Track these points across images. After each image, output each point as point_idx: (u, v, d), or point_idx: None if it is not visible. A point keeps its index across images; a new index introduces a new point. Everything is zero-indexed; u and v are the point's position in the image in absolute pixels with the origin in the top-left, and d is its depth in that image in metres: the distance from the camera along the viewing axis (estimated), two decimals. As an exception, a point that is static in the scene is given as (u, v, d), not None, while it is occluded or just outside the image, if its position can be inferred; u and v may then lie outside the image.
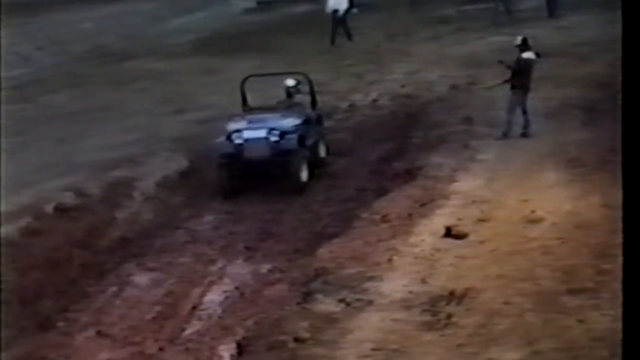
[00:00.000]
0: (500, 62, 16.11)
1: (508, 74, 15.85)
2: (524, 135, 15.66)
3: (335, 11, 26.66)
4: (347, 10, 26.98)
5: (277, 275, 11.90)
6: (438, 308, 9.44)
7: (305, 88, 16.56)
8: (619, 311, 8.13)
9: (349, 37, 26.84)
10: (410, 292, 9.87)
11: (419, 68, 22.50)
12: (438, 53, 24.13)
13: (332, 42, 26.47)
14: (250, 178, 15.09)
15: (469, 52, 23.60)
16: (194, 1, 36.62)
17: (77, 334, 10.61)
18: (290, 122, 15.26)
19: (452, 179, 13.69)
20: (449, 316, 9.22)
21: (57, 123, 19.28)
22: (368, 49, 25.65)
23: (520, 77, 15.66)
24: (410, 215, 12.39)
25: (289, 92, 16.36)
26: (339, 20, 26.69)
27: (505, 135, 15.61)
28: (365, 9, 29.73)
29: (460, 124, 16.81)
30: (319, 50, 25.62)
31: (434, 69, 22.09)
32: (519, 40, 15.89)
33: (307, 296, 10.22)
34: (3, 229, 12.36)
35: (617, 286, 8.90)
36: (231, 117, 15.78)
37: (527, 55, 15.77)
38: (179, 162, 15.99)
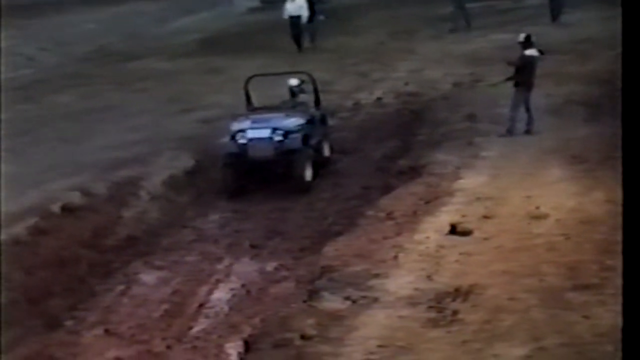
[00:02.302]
0: (508, 63, 16.11)
1: (511, 72, 15.90)
2: (528, 132, 15.70)
3: (295, 17, 25.75)
4: (313, 17, 26.20)
5: (283, 273, 11.97)
6: (443, 305, 9.47)
7: (309, 87, 16.62)
8: (623, 307, 8.25)
9: (313, 39, 26.27)
10: (416, 289, 9.91)
11: (423, 66, 22.54)
12: (441, 51, 24.17)
13: (299, 48, 25.67)
14: (254, 178, 15.15)
15: (472, 49, 23.63)
16: (198, 1, 36.65)
17: (85, 333, 10.68)
18: (294, 121, 15.30)
19: (456, 176, 13.72)
20: (455, 313, 9.25)
21: (62, 123, 19.35)
22: (371, 47, 25.69)
23: (523, 74, 15.69)
24: (415, 212, 12.43)
25: (293, 92, 16.41)
26: (300, 26, 25.77)
27: (509, 132, 15.65)
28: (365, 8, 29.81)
29: (464, 122, 16.85)
30: (324, 48, 25.67)
31: (438, 67, 22.13)
32: (522, 37, 15.93)
33: (313, 294, 10.26)
34: (10, 230, 12.40)
35: (622, 282, 9.00)
36: (235, 117, 15.83)
37: (530, 52, 15.81)
38: (185, 161, 16.04)
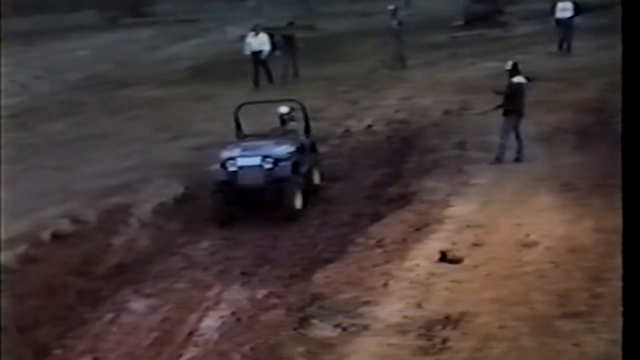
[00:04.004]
0: (496, 92, 16.13)
1: (500, 100, 15.95)
2: (518, 159, 15.74)
3: (257, 52, 25.35)
4: (270, 53, 25.72)
5: (274, 300, 11.93)
6: (433, 332, 9.46)
7: (299, 115, 16.67)
8: (613, 335, 8.26)
9: (270, 78, 25.48)
10: (406, 316, 9.90)
11: (413, 94, 22.63)
12: (431, 79, 24.29)
13: (256, 84, 25.18)
14: (244, 205, 15.14)
15: (462, 77, 23.75)
16: (190, 29, 36.82)
17: (74, 361, 10.64)
18: (284, 149, 15.31)
19: (446, 204, 13.74)
20: (445, 340, 9.25)
21: (55, 151, 19.38)
22: (362, 75, 25.80)
23: (512, 101, 15.74)
24: (405, 240, 12.44)
25: (283, 119, 16.45)
26: (261, 62, 25.38)
27: (499, 159, 15.69)
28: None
29: (454, 149, 16.90)
30: (314, 76, 25.75)
31: (428, 95, 22.22)
32: (509, 65, 15.99)
33: (303, 321, 10.25)
34: (0, 257, 12.40)
35: (611, 310, 9.02)
36: (225, 145, 15.85)
37: (518, 79, 15.87)
38: (175, 189, 16.05)
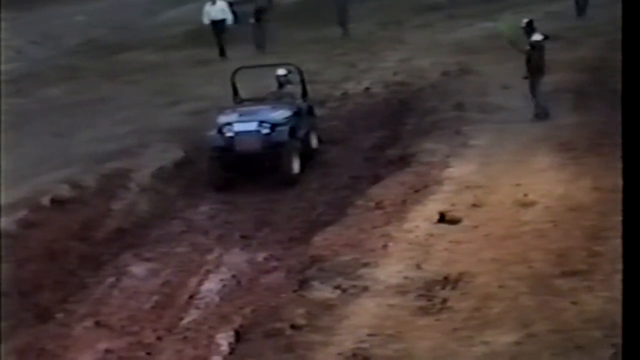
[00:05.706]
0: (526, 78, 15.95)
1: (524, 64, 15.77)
2: (538, 116, 15.59)
3: (218, 22, 24.69)
4: (233, 22, 25.11)
5: (273, 263, 12.00)
6: (433, 293, 9.51)
7: (295, 78, 16.61)
8: (611, 293, 8.31)
9: (222, 51, 24.87)
10: (405, 277, 9.95)
11: (411, 55, 22.55)
12: (429, 40, 24.19)
13: (221, 54, 24.69)
14: (242, 171, 15.12)
15: (459, 38, 23.65)
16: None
17: (76, 325, 10.68)
18: (280, 114, 15.26)
19: (445, 165, 13.75)
20: (444, 301, 9.30)
21: (52, 116, 19.34)
22: (360, 37, 25.69)
23: (533, 60, 15.60)
24: (404, 201, 12.46)
25: (280, 82, 16.41)
26: (220, 31, 24.80)
27: (538, 116, 15.57)
28: None
29: (453, 110, 16.86)
30: (312, 39, 25.64)
31: (426, 56, 22.14)
32: (524, 22, 15.84)
33: (303, 283, 10.30)
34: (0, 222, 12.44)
35: (610, 268, 9.07)
36: (222, 110, 15.82)
37: (536, 37, 15.75)
38: (174, 153, 16.05)
